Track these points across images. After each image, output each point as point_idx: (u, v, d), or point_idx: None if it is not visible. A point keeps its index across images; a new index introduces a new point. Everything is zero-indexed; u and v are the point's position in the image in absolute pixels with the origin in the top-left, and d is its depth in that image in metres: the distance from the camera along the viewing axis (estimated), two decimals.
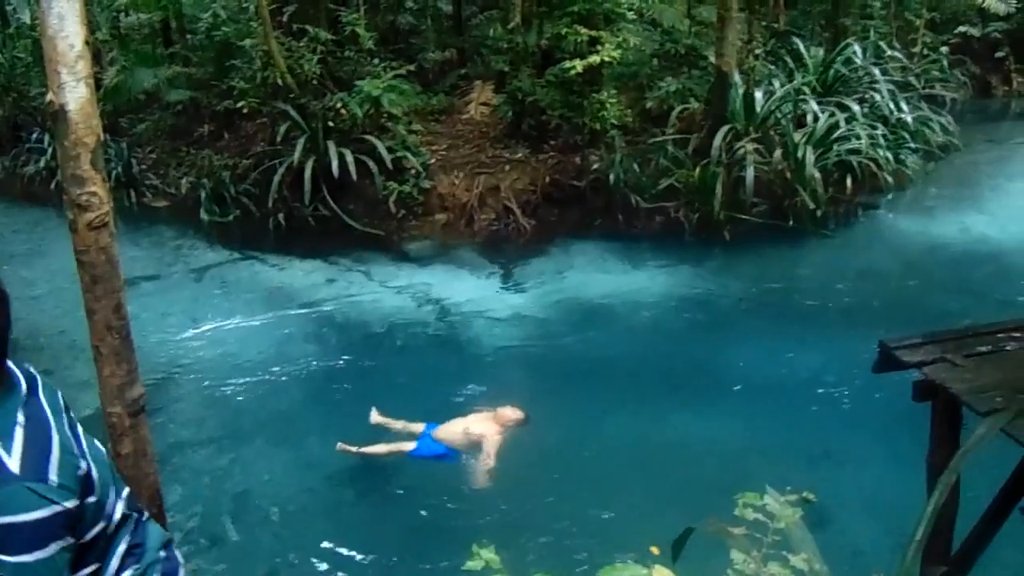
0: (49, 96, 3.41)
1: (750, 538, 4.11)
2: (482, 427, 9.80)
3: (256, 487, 9.55)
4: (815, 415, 10.60)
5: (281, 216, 17.27)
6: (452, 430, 9.83)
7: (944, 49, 24.02)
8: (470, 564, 3.81)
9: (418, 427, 10.01)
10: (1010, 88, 28.04)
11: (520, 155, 17.81)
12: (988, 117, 24.95)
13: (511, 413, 9.92)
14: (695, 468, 9.44)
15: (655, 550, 6.71)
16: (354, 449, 9.68)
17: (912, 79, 20.94)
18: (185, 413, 11.14)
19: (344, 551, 8.46)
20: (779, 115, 17.23)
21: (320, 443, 10.23)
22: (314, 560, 8.37)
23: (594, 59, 15.92)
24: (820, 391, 11.07)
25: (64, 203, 3.48)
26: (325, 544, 8.57)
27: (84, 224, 3.42)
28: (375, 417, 10.23)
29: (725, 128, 16.35)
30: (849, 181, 17.12)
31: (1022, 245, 15.52)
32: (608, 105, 16.84)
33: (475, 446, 9.64)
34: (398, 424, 10.16)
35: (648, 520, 8.23)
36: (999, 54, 27.77)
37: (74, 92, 3.39)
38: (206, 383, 11.80)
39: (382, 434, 10.04)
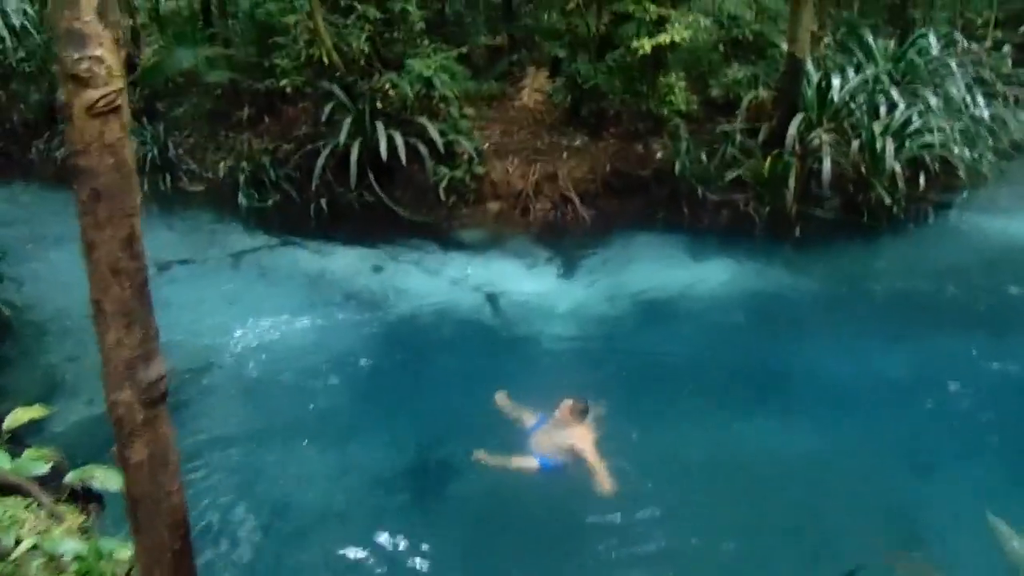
0: None
1: None
2: (567, 435, 8.99)
3: (293, 491, 8.73)
4: (907, 422, 9.84)
5: (324, 201, 16.67)
6: (544, 445, 9.02)
7: (1006, 48, 23.05)
8: None
9: (531, 417, 9.40)
10: None
11: (578, 142, 17.12)
12: None
13: (570, 407, 9.06)
14: (778, 482, 8.75)
15: None
16: (492, 461, 8.86)
17: (986, 74, 19.91)
18: (217, 407, 10.36)
19: (390, 567, 7.56)
20: (854, 105, 16.26)
21: (364, 444, 9.51)
22: None
23: (663, 38, 15.18)
24: (908, 396, 10.36)
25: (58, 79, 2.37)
26: (369, 559, 7.68)
27: (82, 108, 2.30)
28: (500, 399, 9.65)
29: (799, 117, 15.52)
30: (922, 178, 16.25)
31: None
32: (676, 90, 16.10)
33: (573, 455, 8.83)
34: (515, 411, 9.55)
35: (725, 543, 7.81)
36: None
37: None
38: (241, 375, 11.06)
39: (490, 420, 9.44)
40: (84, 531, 4.28)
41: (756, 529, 7.99)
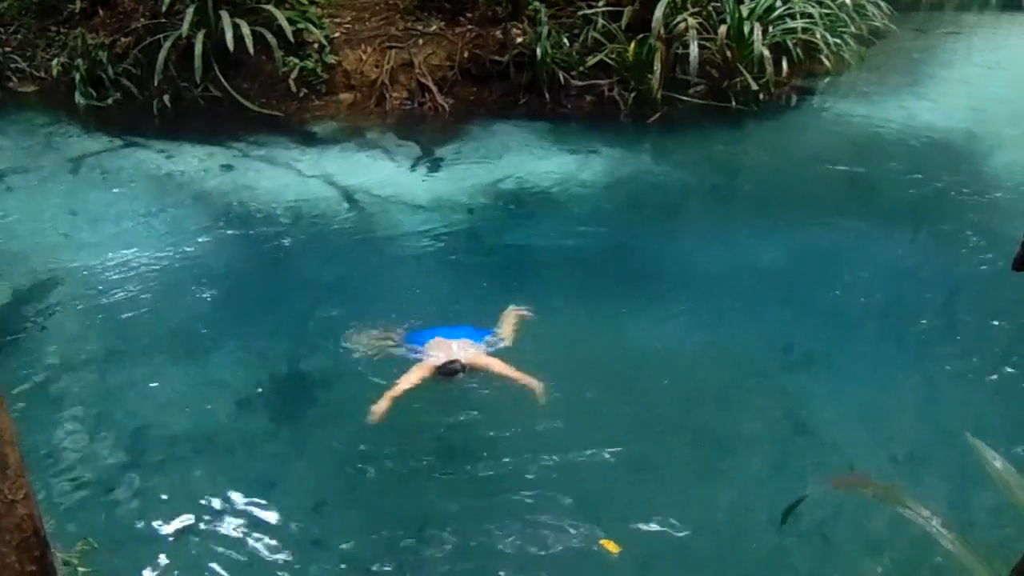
0: None
1: None
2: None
3: (155, 417, 7.95)
4: (789, 312, 9.62)
5: (167, 98, 15.87)
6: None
7: None
8: None
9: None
10: None
11: (434, 28, 16.58)
12: (905, 7, 24.13)
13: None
14: (663, 377, 8.35)
15: (608, 545, 6.24)
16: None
17: None
18: (66, 328, 9.48)
19: (265, 494, 6.95)
20: None
21: (227, 360, 8.78)
22: (229, 507, 6.85)
23: None
24: (782, 285, 10.17)
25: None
26: (241, 486, 7.05)
27: None
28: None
29: (664, 0, 15.15)
30: (785, 63, 16.23)
31: (970, 133, 14.84)
32: None
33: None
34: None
35: (612, 441, 7.37)
36: None
37: None
38: (89, 291, 10.12)
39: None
40: None
41: (646, 427, 7.60)
